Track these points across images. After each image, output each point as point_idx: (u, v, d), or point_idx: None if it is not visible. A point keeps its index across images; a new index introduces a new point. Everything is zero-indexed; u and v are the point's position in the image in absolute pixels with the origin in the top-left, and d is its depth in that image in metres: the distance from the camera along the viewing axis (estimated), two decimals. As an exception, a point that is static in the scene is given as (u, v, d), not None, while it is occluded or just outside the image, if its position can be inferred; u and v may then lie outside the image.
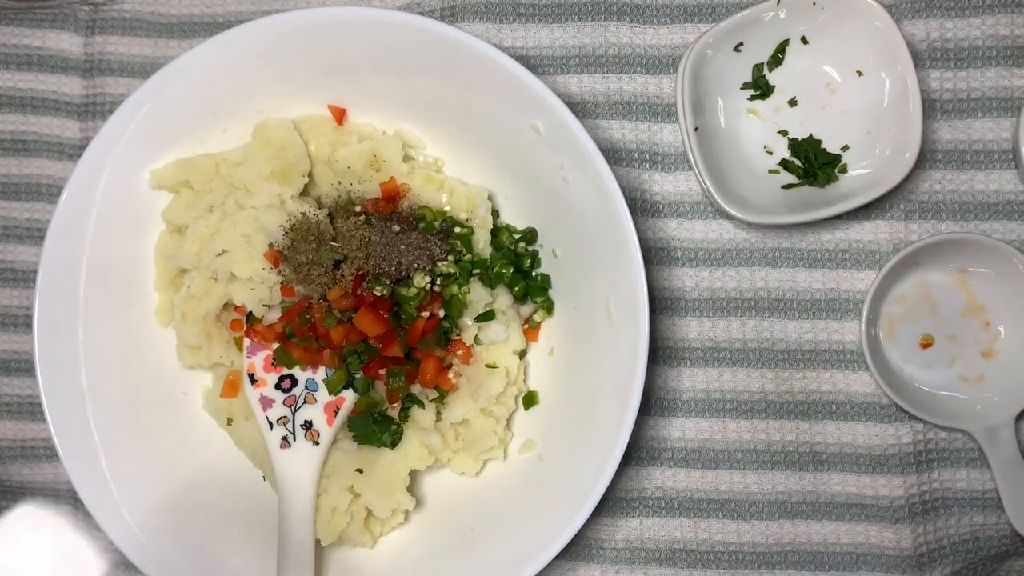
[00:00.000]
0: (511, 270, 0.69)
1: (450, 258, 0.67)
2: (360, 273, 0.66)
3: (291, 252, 0.65)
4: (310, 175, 0.68)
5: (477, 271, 0.68)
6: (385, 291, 0.65)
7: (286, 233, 0.65)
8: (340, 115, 0.69)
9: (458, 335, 0.68)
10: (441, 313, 0.67)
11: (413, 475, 0.69)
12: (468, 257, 0.68)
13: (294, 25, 0.64)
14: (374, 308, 0.65)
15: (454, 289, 0.67)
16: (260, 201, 0.65)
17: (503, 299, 0.69)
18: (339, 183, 0.68)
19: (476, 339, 0.68)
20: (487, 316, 0.68)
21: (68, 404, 0.64)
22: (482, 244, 0.69)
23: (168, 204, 0.67)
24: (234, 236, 0.65)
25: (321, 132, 0.68)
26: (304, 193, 0.68)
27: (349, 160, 0.67)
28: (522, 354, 0.71)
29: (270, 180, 0.65)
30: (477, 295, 0.67)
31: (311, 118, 0.69)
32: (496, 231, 0.70)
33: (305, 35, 0.64)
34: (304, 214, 0.66)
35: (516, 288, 0.69)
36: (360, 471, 0.67)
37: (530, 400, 0.71)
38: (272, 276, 0.65)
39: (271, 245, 0.65)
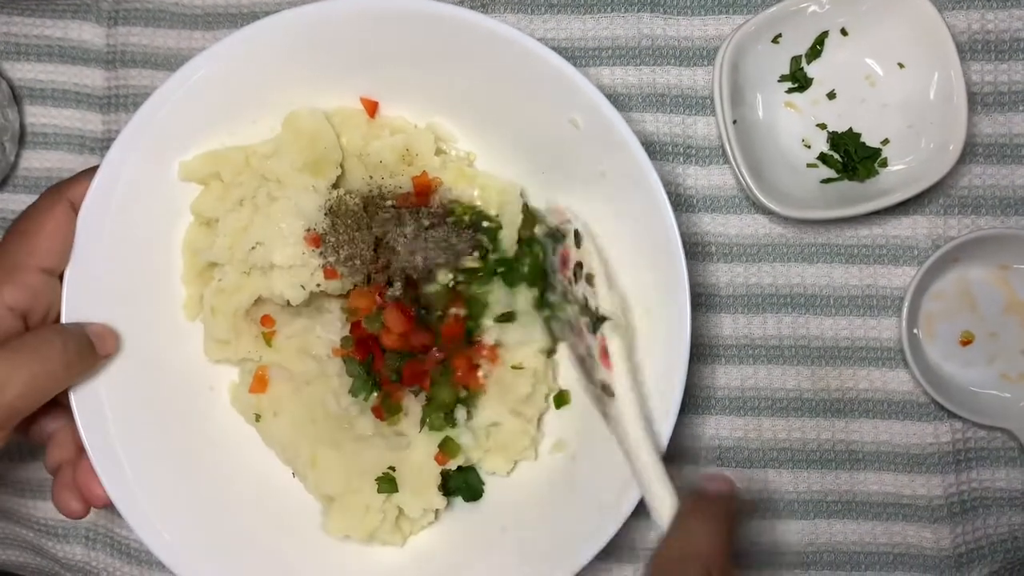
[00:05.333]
0: (538, 269, 0.67)
1: (475, 254, 0.66)
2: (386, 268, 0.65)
3: (332, 232, 0.64)
4: (341, 168, 0.67)
5: (501, 269, 0.67)
6: (398, 292, 0.65)
7: (326, 214, 0.64)
8: (372, 108, 0.68)
9: (479, 337, 0.67)
10: (463, 312, 0.66)
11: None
12: (494, 256, 0.67)
13: (325, 15, 0.62)
14: (400, 306, 0.64)
15: (476, 288, 0.66)
16: (293, 191, 0.63)
17: (524, 298, 0.67)
18: (371, 177, 0.67)
19: (497, 340, 0.67)
20: (507, 317, 0.66)
21: (93, 398, 0.63)
22: (508, 242, 0.68)
23: (197, 196, 0.66)
24: (269, 228, 0.63)
25: (353, 125, 0.67)
26: (335, 186, 0.67)
27: (381, 154, 0.66)
28: (550, 352, 0.69)
29: (303, 171, 0.64)
30: (497, 296, 0.66)
31: (342, 110, 0.67)
32: (526, 223, 0.69)
33: (335, 26, 0.63)
34: (340, 197, 0.64)
35: (538, 287, 0.67)
36: (392, 469, 0.66)
37: (561, 400, 0.69)
38: (314, 260, 0.63)
39: (309, 229, 0.64)
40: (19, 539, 0.78)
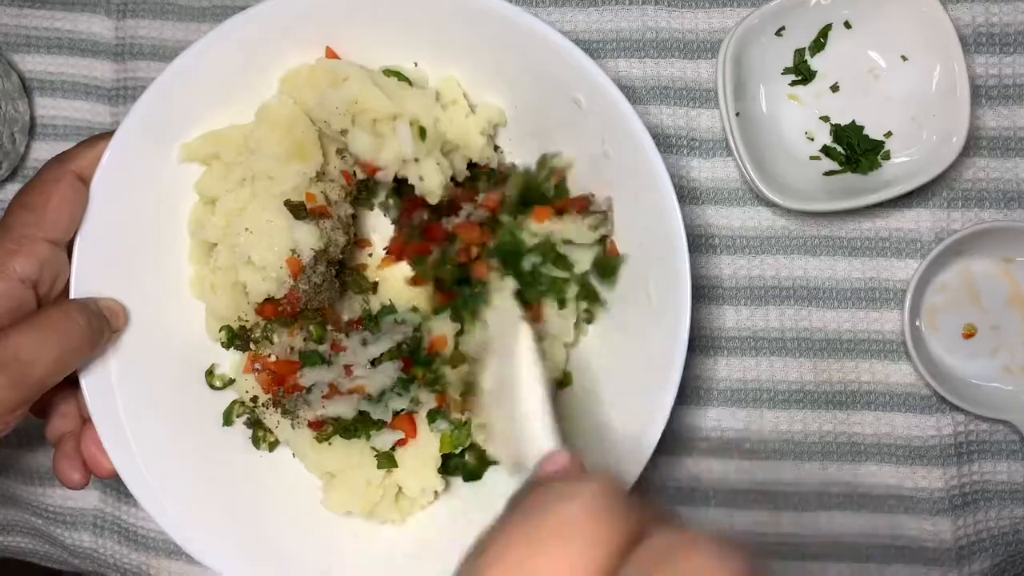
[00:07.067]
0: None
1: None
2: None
3: (311, 271, 0.64)
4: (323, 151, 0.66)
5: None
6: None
7: (314, 255, 0.64)
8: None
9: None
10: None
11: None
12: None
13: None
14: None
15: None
16: (288, 185, 0.63)
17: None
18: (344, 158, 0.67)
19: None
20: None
21: (99, 371, 0.63)
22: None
23: (200, 176, 0.66)
24: (260, 218, 0.63)
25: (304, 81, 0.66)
26: (320, 178, 0.66)
27: (341, 120, 0.65)
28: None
29: (288, 160, 0.63)
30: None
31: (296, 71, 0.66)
32: None
33: (337, 10, 0.63)
34: (328, 243, 0.64)
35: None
36: (393, 448, 0.66)
37: (561, 383, 0.69)
38: (287, 279, 0.63)
39: (293, 251, 0.63)
40: (27, 526, 0.79)
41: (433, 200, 0.65)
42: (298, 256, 0.63)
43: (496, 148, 0.69)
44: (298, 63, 0.65)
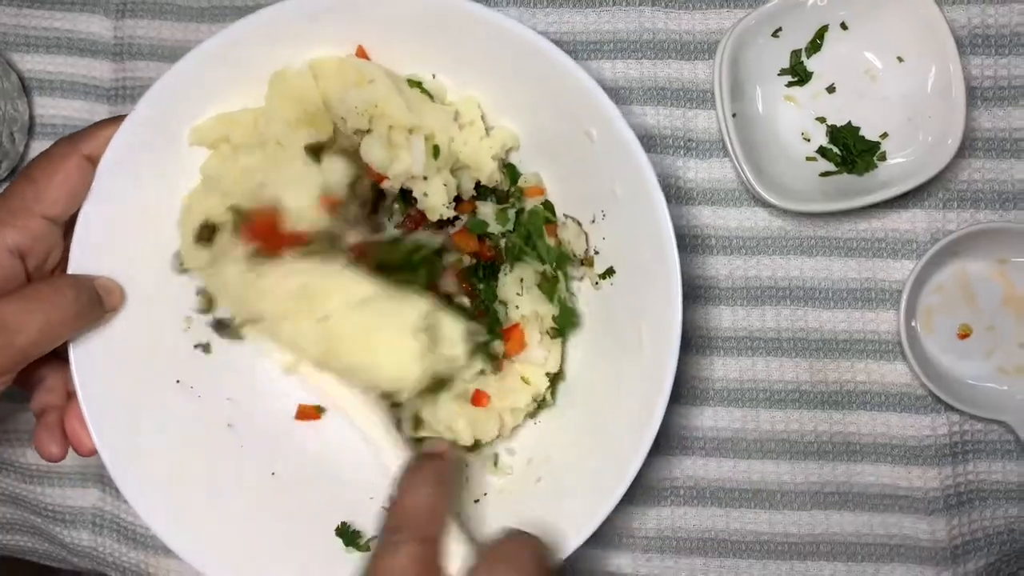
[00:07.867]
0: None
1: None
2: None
3: (349, 201, 0.63)
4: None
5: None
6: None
7: (348, 184, 0.63)
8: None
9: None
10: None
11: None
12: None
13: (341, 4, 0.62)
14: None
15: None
16: (296, 150, 0.62)
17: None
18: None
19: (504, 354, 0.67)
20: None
21: (89, 349, 0.63)
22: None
23: (207, 158, 0.66)
24: (280, 179, 0.62)
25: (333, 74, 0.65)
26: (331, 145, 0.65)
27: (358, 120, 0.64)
28: (555, 377, 0.68)
29: (297, 127, 0.63)
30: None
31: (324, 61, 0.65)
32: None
33: (368, 14, 0.62)
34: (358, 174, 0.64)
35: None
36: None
37: (565, 322, 0.67)
38: (324, 219, 0.62)
39: (325, 192, 0.62)
40: (27, 524, 0.79)
41: (434, 218, 0.65)
42: (330, 195, 0.62)
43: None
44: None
